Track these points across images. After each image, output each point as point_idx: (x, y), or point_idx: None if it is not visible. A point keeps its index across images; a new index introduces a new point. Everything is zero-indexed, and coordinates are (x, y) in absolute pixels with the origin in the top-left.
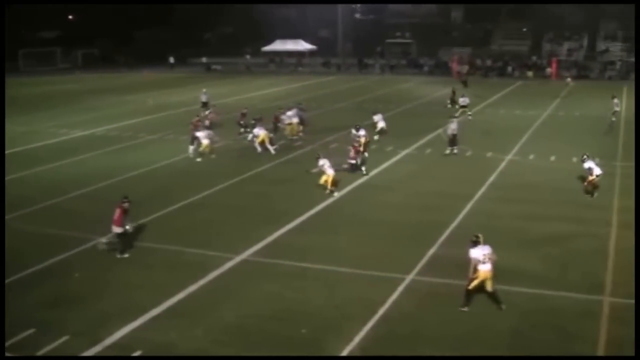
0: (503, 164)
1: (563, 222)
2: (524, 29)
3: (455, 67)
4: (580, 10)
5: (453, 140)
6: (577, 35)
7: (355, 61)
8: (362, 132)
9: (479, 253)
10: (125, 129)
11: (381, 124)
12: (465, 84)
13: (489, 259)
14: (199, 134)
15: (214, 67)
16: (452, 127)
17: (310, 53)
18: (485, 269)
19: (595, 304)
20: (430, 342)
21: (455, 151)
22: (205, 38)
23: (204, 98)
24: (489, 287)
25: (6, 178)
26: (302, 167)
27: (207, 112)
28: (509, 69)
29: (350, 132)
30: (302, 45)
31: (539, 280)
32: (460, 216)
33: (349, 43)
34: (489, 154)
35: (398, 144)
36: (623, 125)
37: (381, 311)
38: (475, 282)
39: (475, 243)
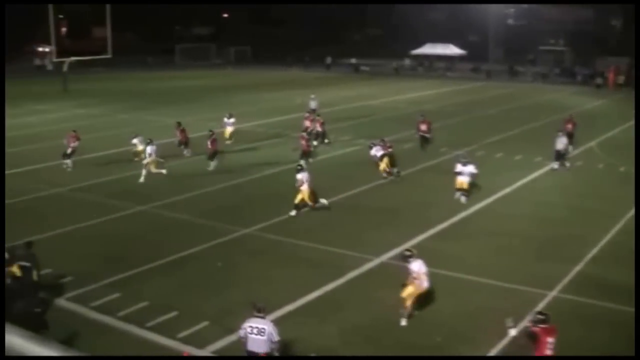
0: None
1: None
2: None
3: (612, 77)
4: None
5: (560, 155)
6: None
7: (506, 68)
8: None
9: None
10: (271, 125)
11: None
12: None
13: None
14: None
15: (362, 68)
16: (563, 140)
17: (460, 58)
18: None
19: None
20: None
21: (567, 164)
22: (354, 39)
23: (313, 104)
24: None
25: (156, 170)
26: (444, 175)
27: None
28: None
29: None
30: (452, 50)
31: None
32: (610, 234)
33: (499, 49)
34: None
35: (547, 156)
36: None
37: (520, 327)
38: None
39: None
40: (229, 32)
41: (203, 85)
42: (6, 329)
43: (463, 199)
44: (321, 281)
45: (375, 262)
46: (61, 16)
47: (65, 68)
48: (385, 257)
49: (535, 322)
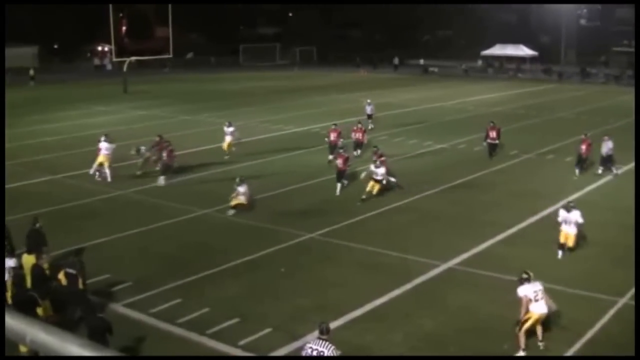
0: None
1: None
2: None
3: None
4: None
5: (606, 160)
6: None
7: (578, 69)
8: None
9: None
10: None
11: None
12: None
13: None
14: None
15: (430, 69)
16: (608, 145)
17: (531, 59)
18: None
19: None
20: None
21: (615, 171)
22: (423, 40)
23: (368, 110)
24: None
25: (217, 170)
26: (513, 180)
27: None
28: None
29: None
30: (523, 51)
31: None
32: None
33: (571, 50)
34: None
35: (618, 161)
36: None
37: (589, 334)
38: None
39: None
40: (294, 33)
41: (267, 86)
42: (61, 335)
43: (560, 254)
44: (387, 287)
45: (442, 267)
46: (121, 14)
47: (125, 68)
48: (452, 262)
49: None
